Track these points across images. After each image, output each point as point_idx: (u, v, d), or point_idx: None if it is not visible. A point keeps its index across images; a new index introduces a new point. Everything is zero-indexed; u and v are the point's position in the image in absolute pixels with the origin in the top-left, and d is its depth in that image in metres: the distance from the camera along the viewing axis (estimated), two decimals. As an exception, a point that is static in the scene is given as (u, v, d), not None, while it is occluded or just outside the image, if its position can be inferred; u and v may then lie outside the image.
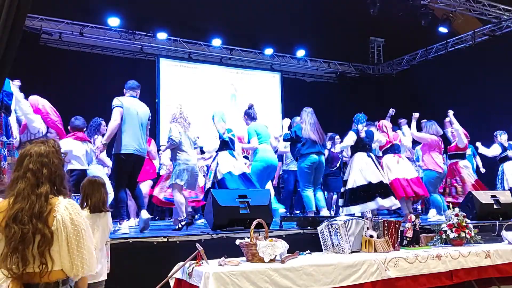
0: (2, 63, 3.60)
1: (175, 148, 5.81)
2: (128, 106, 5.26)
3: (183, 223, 5.44)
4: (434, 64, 12.45)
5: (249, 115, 6.75)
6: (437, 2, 10.50)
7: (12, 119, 4.51)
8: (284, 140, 6.87)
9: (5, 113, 4.34)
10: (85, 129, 6.27)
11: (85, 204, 3.59)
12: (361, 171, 6.54)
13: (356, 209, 6.40)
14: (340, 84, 13.71)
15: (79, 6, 9.96)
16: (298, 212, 8.15)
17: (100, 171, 6.48)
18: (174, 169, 5.81)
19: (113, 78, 10.25)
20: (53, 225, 2.01)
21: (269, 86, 12.73)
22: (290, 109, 12.29)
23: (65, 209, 2.05)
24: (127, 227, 4.95)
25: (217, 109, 6.85)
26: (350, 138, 6.73)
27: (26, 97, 5.22)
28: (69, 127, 6.10)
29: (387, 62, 13.98)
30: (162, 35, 11.11)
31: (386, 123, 7.26)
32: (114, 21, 10.49)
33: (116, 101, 5.26)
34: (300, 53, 12.97)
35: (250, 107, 6.83)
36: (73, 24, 10.27)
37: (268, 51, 12.48)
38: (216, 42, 11.78)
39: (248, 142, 6.68)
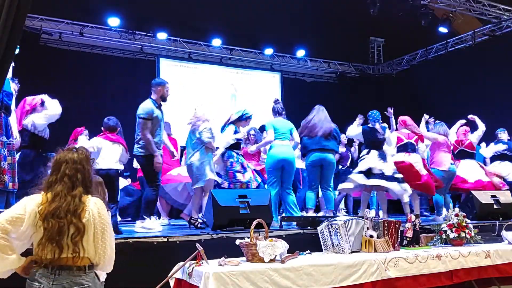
0: (2, 63, 3.60)
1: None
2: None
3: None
4: (434, 64, 12.45)
5: (274, 110, 6.54)
6: (437, 2, 10.50)
7: (12, 119, 4.51)
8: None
9: (5, 113, 4.34)
10: (118, 129, 6.17)
11: None
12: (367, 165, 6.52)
13: (347, 184, 6.52)
14: (340, 84, 13.70)
15: (79, 6, 9.95)
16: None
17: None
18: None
19: (113, 78, 10.30)
20: (85, 217, 2.39)
21: (269, 86, 12.72)
22: (290, 109, 12.28)
23: (94, 204, 2.45)
24: (157, 224, 5.15)
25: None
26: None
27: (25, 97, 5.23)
28: (102, 127, 6.00)
29: (387, 62, 13.98)
30: (162, 35, 11.10)
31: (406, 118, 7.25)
32: (114, 21, 10.49)
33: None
34: (300, 53, 12.96)
35: (276, 101, 6.65)
36: (73, 24, 10.27)
37: (268, 51, 12.48)
38: (216, 42, 11.78)
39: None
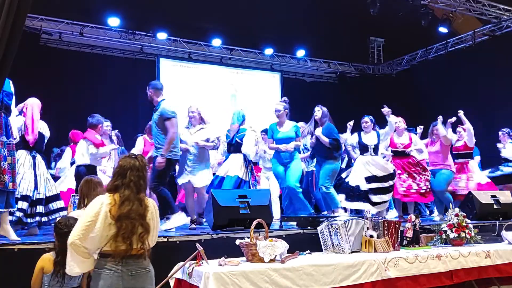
0: (2, 63, 3.59)
1: None
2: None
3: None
4: (434, 64, 12.45)
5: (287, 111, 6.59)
6: (437, 2, 10.50)
7: (12, 119, 4.51)
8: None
9: (5, 113, 4.33)
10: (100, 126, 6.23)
11: (82, 204, 3.61)
12: (357, 172, 6.52)
13: (353, 205, 6.42)
14: (340, 84, 13.70)
15: (79, 6, 9.95)
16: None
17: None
18: None
19: (113, 78, 10.29)
20: (148, 217, 2.79)
21: (269, 86, 12.73)
22: (290, 109, 12.29)
23: (153, 206, 2.87)
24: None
25: (237, 109, 6.86)
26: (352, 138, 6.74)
27: (25, 98, 5.22)
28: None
29: (387, 62, 13.98)
30: (162, 35, 11.10)
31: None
32: (114, 21, 10.49)
33: (171, 111, 5.46)
34: (300, 53, 12.96)
35: (286, 101, 6.64)
36: (73, 24, 10.27)
37: (268, 51, 12.48)
38: (216, 42, 11.78)
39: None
